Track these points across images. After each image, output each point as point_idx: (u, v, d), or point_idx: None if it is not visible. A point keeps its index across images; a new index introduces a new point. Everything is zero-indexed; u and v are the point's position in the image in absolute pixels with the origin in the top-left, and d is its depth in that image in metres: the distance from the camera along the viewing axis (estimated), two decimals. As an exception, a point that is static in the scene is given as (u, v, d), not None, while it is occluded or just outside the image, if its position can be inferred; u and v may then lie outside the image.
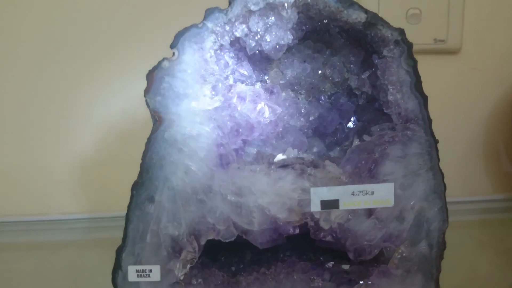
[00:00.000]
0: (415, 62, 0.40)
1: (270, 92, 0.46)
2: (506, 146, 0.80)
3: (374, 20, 0.41)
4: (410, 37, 0.41)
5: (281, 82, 0.47)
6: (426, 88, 0.42)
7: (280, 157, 0.43)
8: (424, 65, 0.76)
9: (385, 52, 0.41)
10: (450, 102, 0.79)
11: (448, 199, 0.42)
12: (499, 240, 0.69)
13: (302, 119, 0.47)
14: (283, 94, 0.47)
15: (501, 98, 0.79)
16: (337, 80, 0.47)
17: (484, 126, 0.80)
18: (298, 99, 0.48)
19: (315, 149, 0.47)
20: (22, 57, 0.73)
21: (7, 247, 0.70)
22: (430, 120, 0.41)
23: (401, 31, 0.40)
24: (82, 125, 0.75)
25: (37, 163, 0.75)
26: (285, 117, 0.47)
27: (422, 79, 0.41)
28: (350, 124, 0.48)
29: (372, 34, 0.41)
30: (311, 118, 0.47)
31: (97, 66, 0.74)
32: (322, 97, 0.48)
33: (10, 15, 0.72)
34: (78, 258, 0.65)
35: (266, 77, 0.48)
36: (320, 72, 0.47)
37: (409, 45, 0.40)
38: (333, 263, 0.44)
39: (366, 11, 0.41)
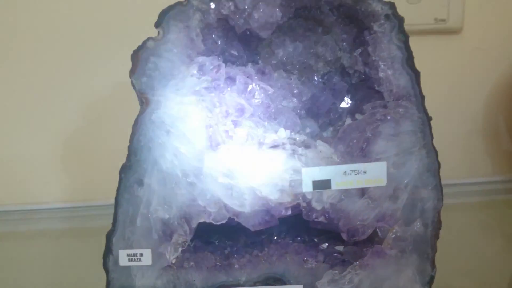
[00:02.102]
0: (406, 37, 0.39)
1: (262, 72, 0.45)
2: (508, 127, 0.79)
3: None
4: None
5: (273, 62, 0.46)
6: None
7: (270, 137, 0.42)
8: (425, 46, 0.76)
9: (375, 27, 0.40)
10: (451, 82, 0.77)
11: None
12: (502, 222, 0.68)
13: (294, 99, 0.46)
14: (275, 74, 0.46)
15: (502, 77, 0.77)
16: (329, 59, 0.46)
17: (485, 106, 0.79)
18: (291, 79, 0.47)
19: (308, 130, 0.46)
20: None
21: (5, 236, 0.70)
22: (422, 97, 0.40)
23: (392, 5, 0.39)
24: (66, 110, 0.73)
25: (21, 152, 0.74)
26: (277, 98, 0.46)
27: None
28: (344, 104, 0.47)
29: (363, 9, 0.40)
30: (304, 99, 0.46)
31: (77, 50, 0.72)
32: (315, 77, 0.47)
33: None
34: (72, 246, 0.65)
35: (258, 58, 0.47)
36: (312, 51, 0.46)
37: (400, 19, 0.39)
38: (327, 244, 0.43)
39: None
